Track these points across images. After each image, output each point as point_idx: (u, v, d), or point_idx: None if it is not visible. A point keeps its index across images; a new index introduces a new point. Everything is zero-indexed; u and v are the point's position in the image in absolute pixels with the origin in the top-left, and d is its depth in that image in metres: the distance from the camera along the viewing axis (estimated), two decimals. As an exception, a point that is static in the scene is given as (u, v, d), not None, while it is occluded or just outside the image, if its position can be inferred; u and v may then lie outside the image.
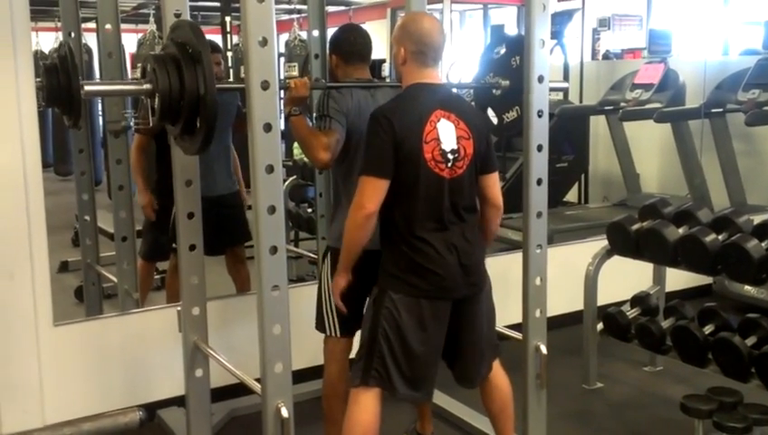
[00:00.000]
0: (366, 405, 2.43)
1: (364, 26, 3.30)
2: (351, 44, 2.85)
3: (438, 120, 2.40)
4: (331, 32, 3.25)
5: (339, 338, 2.77)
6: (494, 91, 3.11)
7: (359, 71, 2.84)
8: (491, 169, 2.53)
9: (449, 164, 2.40)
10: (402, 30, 2.48)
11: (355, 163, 2.62)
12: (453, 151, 2.40)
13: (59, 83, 2.78)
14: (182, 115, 2.18)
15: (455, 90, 3.05)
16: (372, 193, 2.33)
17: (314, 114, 2.91)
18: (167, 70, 2.15)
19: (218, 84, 2.17)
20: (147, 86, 2.21)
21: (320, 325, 2.81)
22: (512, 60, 3.02)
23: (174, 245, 2.93)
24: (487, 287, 2.56)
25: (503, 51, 3.09)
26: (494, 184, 2.54)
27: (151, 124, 2.29)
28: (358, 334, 2.64)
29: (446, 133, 2.40)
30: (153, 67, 2.18)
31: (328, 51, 3.05)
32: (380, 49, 3.41)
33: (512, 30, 8.77)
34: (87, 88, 2.39)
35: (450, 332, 2.49)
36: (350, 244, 2.42)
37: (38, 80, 2.97)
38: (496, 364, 2.66)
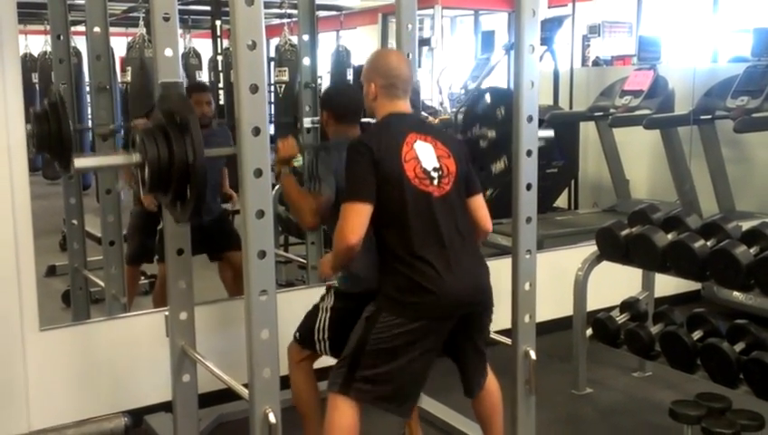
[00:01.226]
0: (345, 410, 2.42)
1: (355, 32, 3.31)
2: (345, 107, 2.89)
3: (414, 142, 2.43)
4: (321, 37, 3.25)
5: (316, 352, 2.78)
6: (480, 142, 3.12)
7: (350, 129, 2.87)
8: (475, 190, 2.55)
9: (435, 182, 2.41)
10: (370, 66, 2.54)
11: None
12: (435, 169, 2.42)
13: (49, 131, 2.73)
14: (172, 184, 2.18)
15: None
16: (355, 220, 2.31)
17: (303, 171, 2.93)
18: (155, 140, 2.16)
19: (207, 151, 2.15)
20: (136, 158, 2.22)
21: (308, 344, 2.78)
22: (497, 110, 3.04)
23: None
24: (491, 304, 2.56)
25: (488, 99, 3.11)
26: (480, 206, 2.56)
27: (142, 194, 2.28)
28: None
29: (425, 153, 2.43)
30: (142, 138, 2.19)
31: (320, 104, 3.07)
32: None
33: (502, 36, 8.81)
34: (78, 164, 2.34)
35: (456, 345, 2.50)
36: (337, 262, 2.47)
37: (28, 126, 2.93)
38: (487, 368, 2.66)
